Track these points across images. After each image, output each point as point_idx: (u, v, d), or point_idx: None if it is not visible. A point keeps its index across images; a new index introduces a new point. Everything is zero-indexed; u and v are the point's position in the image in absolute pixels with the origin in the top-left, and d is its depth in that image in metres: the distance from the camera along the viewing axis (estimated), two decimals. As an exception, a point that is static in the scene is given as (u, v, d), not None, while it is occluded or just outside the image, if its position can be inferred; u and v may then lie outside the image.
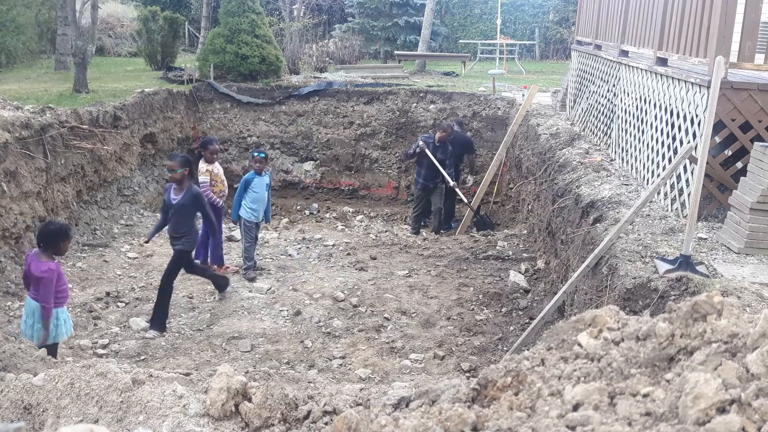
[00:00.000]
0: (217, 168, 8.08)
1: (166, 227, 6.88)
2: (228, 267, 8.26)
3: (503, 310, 7.34)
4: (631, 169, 7.35)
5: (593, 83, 9.44)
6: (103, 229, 9.09)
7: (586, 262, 5.27)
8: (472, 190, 11.64)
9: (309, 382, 3.25)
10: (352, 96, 12.43)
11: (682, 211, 5.79)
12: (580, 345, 2.03)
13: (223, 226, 8.76)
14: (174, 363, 6.01)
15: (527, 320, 6.88)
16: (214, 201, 7.85)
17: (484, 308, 7.39)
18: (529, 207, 9.55)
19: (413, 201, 10.81)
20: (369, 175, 12.27)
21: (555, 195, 7.56)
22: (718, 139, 5.63)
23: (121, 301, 7.26)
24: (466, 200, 10.79)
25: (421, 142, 10.27)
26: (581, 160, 7.92)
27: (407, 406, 2.21)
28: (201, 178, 7.77)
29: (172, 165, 6.71)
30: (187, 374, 3.10)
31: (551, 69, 18.52)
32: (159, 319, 6.66)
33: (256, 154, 8.03)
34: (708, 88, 5.00)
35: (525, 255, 8.81)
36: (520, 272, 8.20)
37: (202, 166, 7.90)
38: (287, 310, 7.21)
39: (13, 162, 7.38)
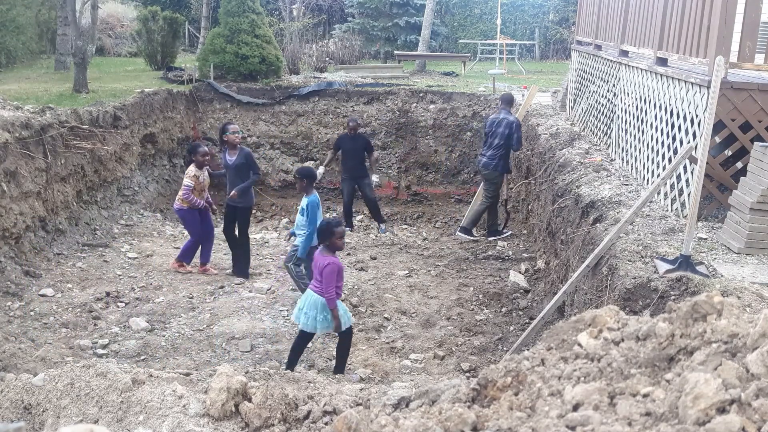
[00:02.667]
0: (204, 176, 8.05)
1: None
2: (207, 268, 8.29)
3: (503, 310, 7.34)
4: (631, 169, 7.35)
5: (593, 83, 9.43)
6: (103, 229, 9.09)
7: (586, 262, 5.27)
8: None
9: (309, 382, 3.25)
10: (352, 96, 12.43)
11: (682, 211, 5.79)
12: (580, 345, 2.03)
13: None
14: (174, 363, 6.02)
15: (527, 320, 6.88)
16: (197, 203, 7.91)
17: (484, 308, 7.39)
18: (529, 207, 9.54)
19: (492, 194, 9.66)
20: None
21: (555, 195, 7.55)
22: (718, 139, 5.63)
23: (121, 301, 7.26)
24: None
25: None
26: (581, 160, 7.92)
27: (407, 406, 2.21)
28: (186, 181, 7.86)
29: (234, 128, 8.03)
30: (187, 374, 3.10)
31: (551, 69, 18.52)
32: (244, 266, 8.13)
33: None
34: (708, 88, 5.00)
35: (525, 255, 8.81)
36: (520, 272, 8.20)
37: (191, 170, 7.92)
38: (287, 310, 7.21)
39: (13, 162, 7.38)
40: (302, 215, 7.03)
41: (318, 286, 5.64)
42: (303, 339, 5.85)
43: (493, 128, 9.37)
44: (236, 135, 7.91)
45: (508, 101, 9.64)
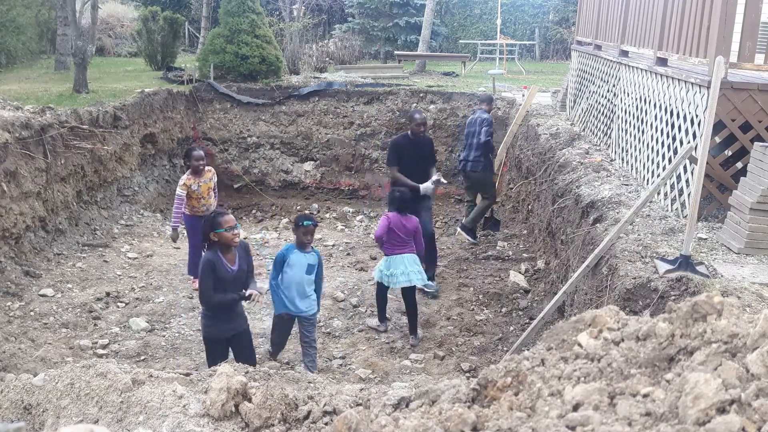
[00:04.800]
0: (199, 182, 7.32)
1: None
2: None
3: (503, 310, 7.34)
4: (631, 169, 7.35)
5: (593, 83, 9.43)
6: (103, 229, 9.09)
7: (586, 262, 5.27)
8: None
9: (309, 382, 3.25)
10: (352, 96, 12.43)
11: (682, 211, 5.79)
12: (580, 345, 2.03)
13: None
14: (174, 363, 6.02)
15: (527, 320, 6.88)
16: (175, 218, 7.39)
17: (484, 308, 7.39)
18: (529, 207, 9.54)
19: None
20: (369, 175, 12.26)
21: (555, 195, 7.55)
22: (718, 139, 5.63)
23: (121, 301, 7.26)
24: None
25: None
26: (581, 160, 7.92)
27: (407, 406, 2.21)
28: (177, 191, 7.34)
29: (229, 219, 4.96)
30: (187, 374, 3.09)
31: (551, 69, 18.52)
32: None
33: (307, 224, 5.68)
34: (708, 88, 5.00)
35: (525, 255, 8.81)
36: (520, 272, 8.20)
37: (184, 178, 7.37)
38: (287, 310, 7.21)
39: (13, 162, 7.38)
40: (310, 274, 5.76)
41: (405, 246, 6.58)
42: (407, 296, 6.70)
43: (474, 127, 9.10)
44: (234, 233, 4.89)
45: (485, 100, 9.57)
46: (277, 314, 5.83)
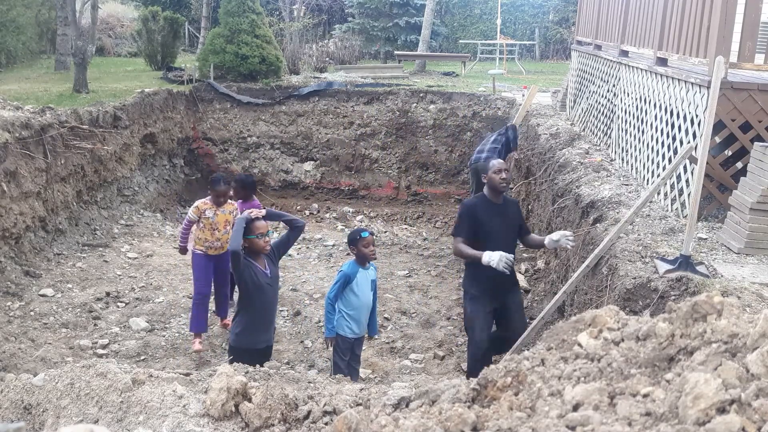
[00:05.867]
0: (217, 211, 6.40)
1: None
2: (226, 323, 6.77)
3: (503, 310, 7.33)
4: (631, 169, 7.35)
5: (593, 83, 9.43)
6: (103, 229, 9.09)
7: (586, 262, 5.27)
8: None
9: (309, 382, 3.25)
10: (352, 96, 12.43)
11: (682, 211, 5.79)
12: (580, 345, 2.03)
13: None
14: (174, 363, 6.02)
15: (527, 320, 6.87)
16: (182, 242, 6.64)
17: (484, 308, 7.38)
18: (529, 207, 9.54)
19: None
20: (369, 175, 12.27)
21: (555, 195, 7.55)
22: (718, 139, 5.63)
23: (121, 301, 7.26)
24: None
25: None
26: (581, 160, 7.91)
27: (407, 406, 2.21)
28: (188, 214, 6.52)
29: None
30: (187, 374, 3.10)
31: (551, 69, 18.52)
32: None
33: (366, 234, 5.30)
34: (708, 88, 5.00)
35: (525, 255, 8.81)
36: (520, 272, 8.20)
37: (200, 202, 6.51)
38: (287, 310, 7.21)
39: (13, 162, 7.38)
40: (373, 290, 5.39)
41: None
42: None
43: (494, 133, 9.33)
44: (265, 240, 4.87)
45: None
46: (342, 336, 5.19)
